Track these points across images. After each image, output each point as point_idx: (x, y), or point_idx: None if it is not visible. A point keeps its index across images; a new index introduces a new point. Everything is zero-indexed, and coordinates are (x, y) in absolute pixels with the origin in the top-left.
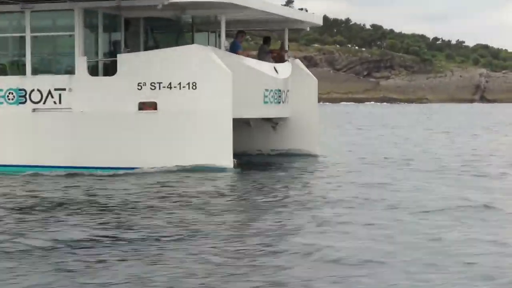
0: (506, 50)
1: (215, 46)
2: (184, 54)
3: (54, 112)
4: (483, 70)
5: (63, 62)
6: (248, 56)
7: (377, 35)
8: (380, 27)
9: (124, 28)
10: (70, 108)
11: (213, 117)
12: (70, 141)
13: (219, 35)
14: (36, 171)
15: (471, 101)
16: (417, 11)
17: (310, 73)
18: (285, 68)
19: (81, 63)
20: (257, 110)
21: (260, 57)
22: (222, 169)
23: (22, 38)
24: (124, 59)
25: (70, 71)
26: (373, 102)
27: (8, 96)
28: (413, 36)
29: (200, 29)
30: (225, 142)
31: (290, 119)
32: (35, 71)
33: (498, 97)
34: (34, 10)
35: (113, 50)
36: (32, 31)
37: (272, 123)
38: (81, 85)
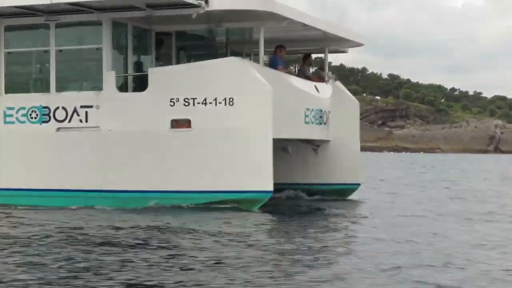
0: None
1: None
2: (221, 67)
3: (80, 131)
4: (499, 121)
5: (90, 77)
6: (288, 72)
7: (393, 85)
8: (397, 77)
9: (156, 48)
10: (98, 127)
11: (252, 136)
12: (97, 162)
13: (254, 59)
14: (62, 195)
15: (485, 151)
16: (438, 63)
17: (352, 95)
18: (326, 88)
19: (109, 79)
20: (298, 130)
21: (300, 77)
22: (261, 194)
23: (46, 53)
24: (155, 73)
25: (98, 87)
26: (385, 152)
27: (31, 114)
28: (430, 86)
29: (234, 50)
30: (265, 164)
31: (331, 143)
32: (59, 88)
33: None
34: (60, 22)
35: (143, 67)
36: (57, 44)
37: (314, 145)
38: (109, 102)
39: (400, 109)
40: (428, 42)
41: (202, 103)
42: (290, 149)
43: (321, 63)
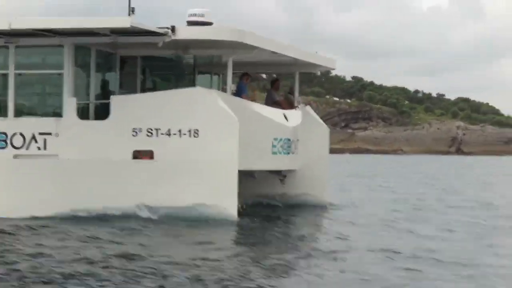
0: (487, 104)
1: (219, 90)
2: (186, 98)
3: (38, 159)
4: (461, 123)
5: (50, 103)
6: (254, 100)
7: (357, 87)
8: (361, 79)
9: (119, 68)
10: (56, 155)
11: (217, 169)
12: (55, 192)
13: (223, 77)
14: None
15: (447, 153)
16: (405, 64)
17: (322, 121)
18: (295, 116)
19: (70, 105)
20: (265, 162)
21: (268, 102)
22: (225, 221)
23: (5, 76)
24: (118, 101)
25: (58, 113)
26: (347, 154)
27: None
28: (394, 88)
29: (202, 70)
30: (230, 193)
31: (299, 171)
32: (18, 113)
33: (474, 150)
34: (20, 45)
35: (107, 92)
36: (16, 68)
37: (281, 175)
38: (69, 130)
39: (363, 111)
40: (395, 44)
41: (166, 134)
42: (256, 175)
43: (290, 88)
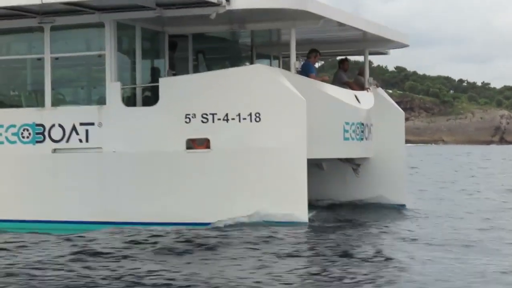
0: None
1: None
2: (245, 77)
3: (79, 153)
4: (505, 112)
5: (91, 89)
6: (323, 80)
7: (400, 77)
8: (404, 69)
9: (169, 51)
10: (100, 148)
11: (283, 157)
12: (100, 189)
13: (283, 61)
14: (58, 227)
15: (490, 142)
16: (451, 53)
17: (396, 104)
18: (367, 97)
19: (113, 91)
20: (336, 149)
21: (335, 84)
22: (294, 223)
23: (40, 61)
24: (168, 84)
25: (100, 101)
26: None
27: (22, 133)
28: (438, 78)
29: (261, 53)
30: (298, 189)
31: (373, 160)
32: (56, 102)
33: None
34: (55, 25)
35: (155, 75)
36: (52, 51)
37: (354, 164)
38: (113, 119)
39: (405, 101)
40: (442, 32)
41: (224, 119)
42: (325, 165)
43: (359, 68)
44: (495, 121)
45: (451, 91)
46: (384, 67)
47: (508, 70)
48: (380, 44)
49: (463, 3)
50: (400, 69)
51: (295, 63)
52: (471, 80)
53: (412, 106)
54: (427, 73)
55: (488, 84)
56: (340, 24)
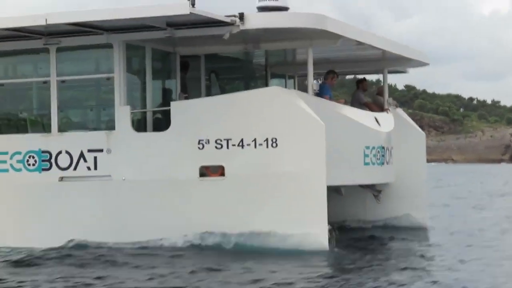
0: None
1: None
2: (261, 100)
3: (88, 181)
4: None
5: (99, 114)
6: (341, 103)
7: (409, 96)
8: (413, 88)
9: (181, 72)
10: (109, 176)
11: (302, 185)
12: (109, 219)
13: (299, 81)
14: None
15: (500, 161)
16: (462, 71)
17: (416, 125)
18: (387, 119)
19: (123, 115)
20: (356, 175)
21: (354, 105)
22: (314, 252)
23: (46, 84)
24: (180, 108)
25: (109, 126)
26: None
27: (27, 160)
28: (448, 96)
29: (275, 72)
30: (319, 219)
31: (394, 184)
32: (63, 127)
33: None
34: (61, 46)
35: (166, 98)
36: (58, 74)
37: (375, 190)
38: (123, 145)
39: (414, 120)
40: (452, 50)
41: (239, 145)
42: (343, 190)
43: (377, 88)
44: (505, 139)
45: (461, 109)
46: (393, 85)
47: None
48: (400, 63)
49: (474, 20)
50: (409, 88)
51: (312, 84)
52: (481, 98)
53: (421, 125)
54: (437, 92)
55: (499, 102)
56: (359, 43)
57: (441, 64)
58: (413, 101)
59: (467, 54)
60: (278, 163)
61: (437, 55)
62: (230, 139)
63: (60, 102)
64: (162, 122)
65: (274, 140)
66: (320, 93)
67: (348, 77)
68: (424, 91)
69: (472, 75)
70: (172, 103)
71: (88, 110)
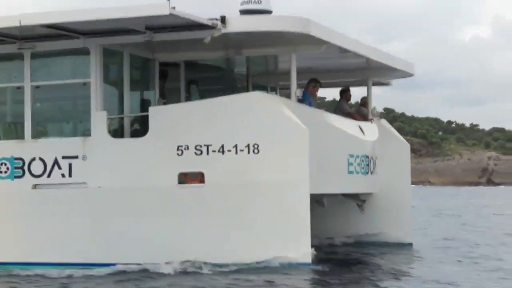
0: None
1: None
2: (243, 105)
3: (62, 189)
4: (493, 153)
5: (74, 120)
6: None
7: (388, 118)
8: (392, 110)
9: (160, 80)
10: (85, 183)
11: (284, 192)
12: (84, 228)
13: (281, 91)
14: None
15: (477, 184)
16: (443, 95)
17: (401, 136)
18: (372, 129)
19: (99, 121)
20: (340, 183)
21: (338, 114)
22: (296, 265)
23: (20, 89)
24: (158, 114)
25: (85, 132)
26: None
27: (0, 168)
28: (427, 119)
29: (257, 83)
30: (301, 228)
31: (378, 195)
32: (37, 134)
33: (507, 180)
34: (36, 51)
35: (144, 106)
36: (33, 79)
37: (358, 200)
38: (99, 151)
39: None
40: (434, 75)
41: (219, 151)
42: (325, 201)
43: (361, 99)
44: (482, 163)
45: (440, 133)
46: (372, 108)
47: (498, 112)
48: (384, 73)
49: (460, 46)
50: (388, 110)
51: (295, 90)
52: (460, 121)
53: None
54: (416, 115)
55: (477, 125)
56: (343, 50)
57: (421, 89)
58: (391, 123)
59: (451, 80)
60: (260, 170)
61: (417, 79)
62: (210, 145)
63: (35, 108)
64: (139, 132)
65: (256, 146)
66: (301, 100)
67: (327, 99)
68: (402, 114)
69: (453, 100)
70: (150, 108)
71: (62, 115)
